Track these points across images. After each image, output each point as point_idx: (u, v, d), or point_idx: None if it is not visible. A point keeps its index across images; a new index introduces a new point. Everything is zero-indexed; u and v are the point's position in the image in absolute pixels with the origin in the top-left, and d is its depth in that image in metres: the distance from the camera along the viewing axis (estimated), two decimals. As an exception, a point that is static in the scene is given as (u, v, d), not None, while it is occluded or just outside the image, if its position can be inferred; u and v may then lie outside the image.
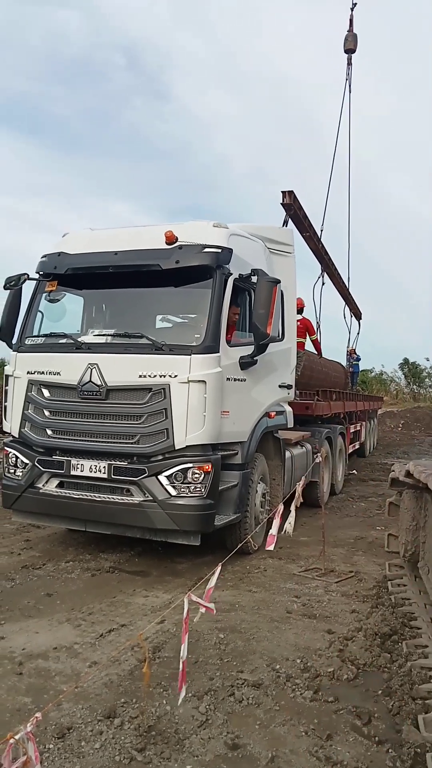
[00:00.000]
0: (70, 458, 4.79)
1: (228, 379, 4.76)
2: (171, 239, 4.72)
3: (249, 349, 4.99)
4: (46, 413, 4.93)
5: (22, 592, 4.28)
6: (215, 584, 2.90)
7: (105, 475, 4.66)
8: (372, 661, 3.26)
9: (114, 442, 4.66)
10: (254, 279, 5.02)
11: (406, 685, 2.94)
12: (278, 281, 5.04)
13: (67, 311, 5.57)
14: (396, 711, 2.77)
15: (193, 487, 4.46)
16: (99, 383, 4.67)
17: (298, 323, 8.07)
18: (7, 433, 5.25)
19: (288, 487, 6.04)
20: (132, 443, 4.59)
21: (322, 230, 10.77)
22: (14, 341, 5.27)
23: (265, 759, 2.44)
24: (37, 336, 5.27)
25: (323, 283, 11.03)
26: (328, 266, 11.25)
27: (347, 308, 14.30)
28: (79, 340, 5.10)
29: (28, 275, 5.26)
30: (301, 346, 8.38)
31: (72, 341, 5.08)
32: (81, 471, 4.74)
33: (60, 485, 4.88)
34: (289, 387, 6.36)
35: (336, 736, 2.61)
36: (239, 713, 2.77)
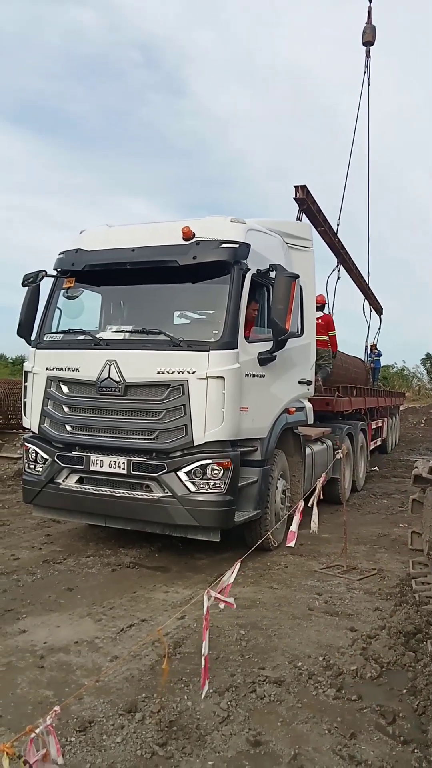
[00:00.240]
0: (89, 454, 4.81)
1: (247, 375, 4.72)
2: (188, 235, 4.70)
3: (268, 345, 4.94)
4: (65, 409, 4.95)
5: (43, 586, 4.31)
6: (235, 580, 2.87)
7: (124, 471, 4.66)
8: (396, 659, 3.20)
9: (133, 438, 4.66)
10: (272, 274, 4.96)
11: (431, 684, 2.88)
12: (297, 276, 4.98)
13: (85, 308, 5.60)
14: (421, 711, 2.71)
15: (212, 483, 4.44)
16: (117, 379, 4.67)
17: (320, 320, 7.97)
18: (26, 428, 5.29)
19: (308, 484, 5.97)
20: (151, 439, 4.58)
21: (338, 224, 10.63)
22: (33, 338, 5.31)
23: (288, 756, 2.41)
24: (56, 332, 5.30)
25: (338, 277, 10.89)
26: (344, 260, 11.10)
27: (366, 303, 14.11)
28: (97, 336, 5.11)
29: (46, 272, 5.29)
30: (324, 344, 8.27)
31: (90, 338, 5.10)
32: (100, 467, 4.75)
33: (80, 481, 4.90)
34: (308, 383, 6.29)
35: (360, 734, 2.56)
36: (261, 710, 2.73)
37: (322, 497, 4.97)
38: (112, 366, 4.70)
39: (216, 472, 4.43)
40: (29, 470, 5.13)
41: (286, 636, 3.51)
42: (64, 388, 4.98)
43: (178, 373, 4.52)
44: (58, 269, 5.40)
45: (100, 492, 4.76)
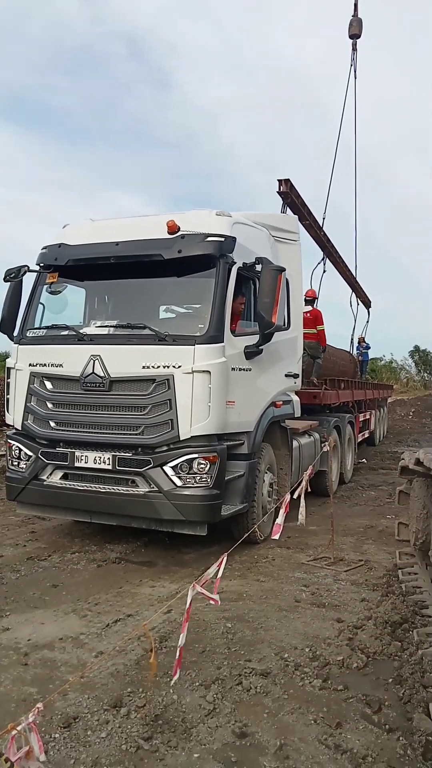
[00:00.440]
0: (74, 450, 4.77)
1: (233, 368, 4.70)
2: (173, 229, 4.65)
3: (254, 339, 4.92)
4: (49, 405, 4.90)
5: (27, 583, 4.27)
6: (222, 574, 2.86)
7: (110, 467, 4.63)
8: (382, 649, 3.21)
9: (118, 434, 4.62)
10: (258, 267, 4.94)
11: (417, 673, 2.90)
12: (283, 269, 4.96)
13: (69, 303, 5.53)
14: (407, 699, 2.73)
15: (198, 478, 4.42)
16: (102, 375, 4.63)
17: (308, 314, 7.97)
18: (9, 425, 5.23)
19: (296, 477, 5.98)
20: (136, 434, 4.55)
21: (324, 218, 10.66)
22: (15, 333, 5.24)
23: (274, 747, 2.41)
24: (39, 328, 5.23)
25: (324, 271, 10.93)
26: (330, 254, 11.14)
27: (354, 296, 14.16)
28: (81, 331, 5.05)
29: (29, 267, 5.22)
30: (313, 337, 8.29)
31: (74, 333, 5.04)
32: (85, 463, 4.71)
33: (64, 477, 4.86)
34: (295, 376, 6.29)
35: (346, 724, 2.56)
36: (247, 702, 2.73)
37: (309, 490, 4.97)
38: (97, 361, 4.66)
39: (202, 466, 4.42)
40: (13, 467, 5.07)
41: (273, 628, 3.51)
42: (48, 384, 4.93)
43: (164, 367, 4.49)
44: (41, 264, 5.33)
45: (86, 488, 4.72)
